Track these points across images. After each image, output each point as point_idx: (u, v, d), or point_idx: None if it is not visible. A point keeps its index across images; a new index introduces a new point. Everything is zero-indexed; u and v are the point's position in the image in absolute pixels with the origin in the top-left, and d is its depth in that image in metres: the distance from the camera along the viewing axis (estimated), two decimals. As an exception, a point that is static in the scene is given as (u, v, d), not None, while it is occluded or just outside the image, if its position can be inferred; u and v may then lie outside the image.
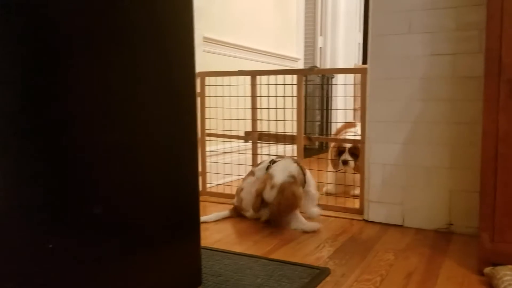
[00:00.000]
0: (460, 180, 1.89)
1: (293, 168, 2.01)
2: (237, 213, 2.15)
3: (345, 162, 2.53)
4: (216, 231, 1.93)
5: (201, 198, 2.48)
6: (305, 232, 1.90)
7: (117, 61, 0.96)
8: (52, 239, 0.82)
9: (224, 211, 2.16)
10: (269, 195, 1.92)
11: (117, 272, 0.98)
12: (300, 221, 1.96)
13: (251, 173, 2.18)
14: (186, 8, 1.15)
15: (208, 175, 2.67)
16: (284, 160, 2.08)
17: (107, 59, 0.93)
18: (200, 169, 2.64)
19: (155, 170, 1.08)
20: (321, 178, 2.67)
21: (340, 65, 5.20)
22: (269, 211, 1.95)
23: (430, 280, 1.40)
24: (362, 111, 2.14)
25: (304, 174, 2.07)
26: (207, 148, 2.68)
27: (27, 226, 0.78)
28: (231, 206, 2.20)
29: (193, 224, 1.23)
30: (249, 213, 2.07)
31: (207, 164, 2.67)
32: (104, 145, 0.94)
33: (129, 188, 1.01)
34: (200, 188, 2.64)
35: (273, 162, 2.08)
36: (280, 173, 1.96)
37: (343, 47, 5.32)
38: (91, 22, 0.89)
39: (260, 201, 1.95)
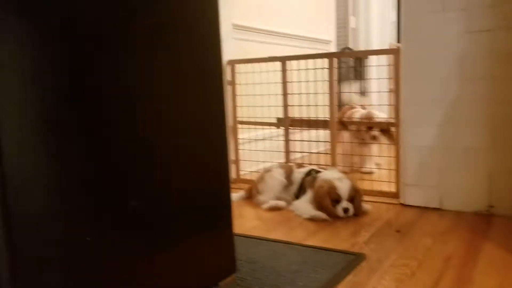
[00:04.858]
0: (500, 161, 1.82)
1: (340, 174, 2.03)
2: (251, 195, 2.23)
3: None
4: (252, 218, 1.95)
5: (236, 185, 2.50)
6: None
7: (149, 56, 0.98)
8: (90, 232, 0.86)
9: (240, 192, 2.26)
10: (343, 188, 1.89)
11: (151, 261, 1.00)
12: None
13: (268, 171, 2.21)
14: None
15: (241, 162, 2.69)
16: (330, 169, 2.11)
17: (140, 56, 0.95)
18: (233, 157, 2.66)
19: (186, 159, 1.10)
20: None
21: (374, 45, 5.08)
22: (355, 204, 1.90)
23: (469, 264, 1.37)
24: (396, 93, 2.09)
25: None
26: (240, 136, 2.69)
27: (68, 220, 0.82)
28: (247, 187, 2.29)
29: (225, 211, 1.25)
30: (267, 204, 2.08)
31: (240, 151, 2.68)
32: (137, 138, 0.96)
33: (161, 178, 1.03)
34: (234, 175, 2.67)
35: (315, 171, 2.09)
36: (332, 174, 2.00)
37: (377, 27, 5.18)
38: (126, 21, 0.91)
39: (330, 202, 1.89)
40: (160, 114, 1.01)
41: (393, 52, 2.12)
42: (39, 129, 0.77)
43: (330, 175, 1.98)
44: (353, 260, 1.43)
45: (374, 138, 2.57)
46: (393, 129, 2.26)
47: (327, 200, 1.87)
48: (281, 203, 2.07)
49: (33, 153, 0.76)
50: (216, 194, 1.21)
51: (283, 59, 2.48)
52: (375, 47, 5.05)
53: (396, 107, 2.10)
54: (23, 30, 0.74)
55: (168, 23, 1.03)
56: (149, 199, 0.99)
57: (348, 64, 4.14)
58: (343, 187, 1.89)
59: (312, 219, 1.86)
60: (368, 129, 2.59)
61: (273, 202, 2.07)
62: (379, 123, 2.55)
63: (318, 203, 1.90)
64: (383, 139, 2.57)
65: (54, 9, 0.78)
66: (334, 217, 1.87)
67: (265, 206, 2.07)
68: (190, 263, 1.12)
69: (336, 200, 1.88)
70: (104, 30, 0.88)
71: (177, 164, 1.07)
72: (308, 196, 1.98)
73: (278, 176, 2.14)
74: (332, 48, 4.05)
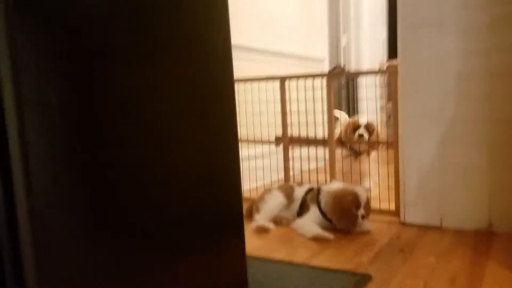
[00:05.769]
0: (499, 179, 1.85)
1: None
2: (251, 214, 2.19)
3: (361, 136, 2.69)
4: (255, 237, 1.94)
5: (235, 204, 2.50)
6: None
7: (159, 73, 0.98)
8: (98, 248, 0.85)
9: None
10: (363, 195, 1.94)
11: (161, 282, 0.99)
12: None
13: (269, 191, 2.20)
14: (223, 17, 1.16)
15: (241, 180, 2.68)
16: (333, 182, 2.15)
17: (150, 73, 0.95)
18: (232, 175, 2.65)
19: (197, 175, 1.09)
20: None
21: (365, 63, 5.15)
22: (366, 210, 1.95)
23: (475, 284, 1.37)
24: (394, 110, 2.12)
25: None
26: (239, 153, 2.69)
27: (75, 235, 0.81)
28: (248, 206, 2.26)
29: (237, 230, 1.23)
30: (254, 224, 2.06)
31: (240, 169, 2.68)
32: (147, 155, 0.95)
33: (172, 195, 1.02)
34: (233, 193, 2.66)
35: (316, 188, 2.10)
36: (339, 184, 2.04)
37: (367, 44, 5.26)
38: (136, 36, 0.91)
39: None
40: (173, 130, 1.01)
41: (388, 72, 2.15)
42: (55, 152, 0.77)
43: (339, 185, 2.00)
44: (359, 281, 1.42)
45: (361, 136, 2.67)
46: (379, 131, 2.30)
47: (353, 208, 1.90)
48: (269, 225, 2.04)
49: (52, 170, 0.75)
50: (228, 211, 1.20)
51: (282, 78, 2.50)
52: (365, 64, 5.13)
53: (395, 125, 2.12)
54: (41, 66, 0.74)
55: (179, 40, 1.03)
56: (161, 216, 0.98)
57: (340, 82, 4.18)
58: (362, 193, 1.93)
59: (315, 239, 1.86)
60: (353, 130, 2.71)
61: (261, 223, 2.03)
62: (367, 125, 2.71)
63: (343, 213, 1.90)
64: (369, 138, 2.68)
65: (60, 28, 0.79)
66: (354, 227, 1.93)
67: (253, 225, 2.04)
68: (202, 281, 1.10)
69: (357, 207, 1.91)
70: (111, 47, 0.87)
71: (188, 180, 1.06)
72: (311, 212, 1.98)
73: (278, 195, 2.14)
74: (325, 66, 4.10)
